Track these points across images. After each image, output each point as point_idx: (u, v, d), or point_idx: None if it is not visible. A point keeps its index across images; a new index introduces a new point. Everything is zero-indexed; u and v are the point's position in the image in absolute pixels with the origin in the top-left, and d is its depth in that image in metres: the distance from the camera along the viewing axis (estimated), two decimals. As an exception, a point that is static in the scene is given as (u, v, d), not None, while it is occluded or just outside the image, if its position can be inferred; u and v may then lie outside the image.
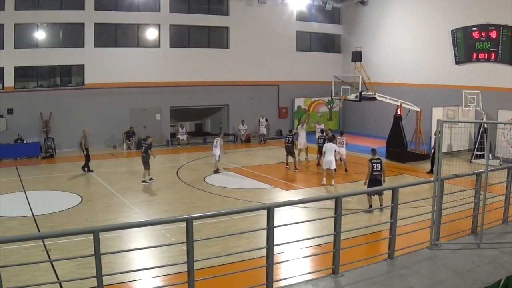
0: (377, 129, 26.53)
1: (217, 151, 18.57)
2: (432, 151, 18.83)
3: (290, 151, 19.04)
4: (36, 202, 14.31)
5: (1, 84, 22.46)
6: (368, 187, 13.06)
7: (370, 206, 13.11)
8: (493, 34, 21.71)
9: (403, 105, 21.30)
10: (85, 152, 18.43)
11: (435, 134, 18.80)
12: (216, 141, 18.74)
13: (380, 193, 12.85)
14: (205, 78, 26.59)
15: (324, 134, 19.52)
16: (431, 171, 17.81)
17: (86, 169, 18.56)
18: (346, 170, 18.53)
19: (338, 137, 18.77)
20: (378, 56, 27.37)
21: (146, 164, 16.86)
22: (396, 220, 7.29)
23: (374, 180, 13.16)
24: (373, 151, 13.79)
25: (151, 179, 17.03)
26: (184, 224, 5.60)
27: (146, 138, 17.64)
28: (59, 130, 23.01)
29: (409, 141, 21.38)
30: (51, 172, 19.02)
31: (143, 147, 17.14)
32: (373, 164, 13.22)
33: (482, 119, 20.02)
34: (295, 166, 18.92)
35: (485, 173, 7.90)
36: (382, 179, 13.25)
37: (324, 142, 17.74)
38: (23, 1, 22.43)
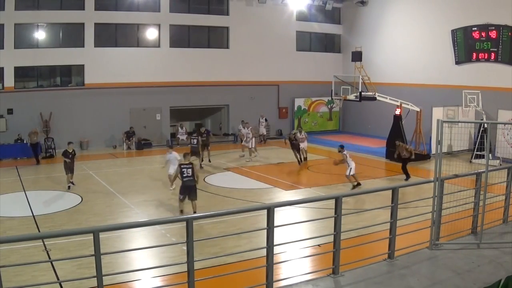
0: (377, 129, 26.54)
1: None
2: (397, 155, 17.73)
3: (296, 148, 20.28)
4: (36, 202, 14.30)
5: (1, 84, 22.47)
6: (180, 193, 12.82)
7: (181, 211, 12.84)
8: (493, 34, 21.71)
9: (403, 105, 21.30)
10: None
11: (396, 142, 17.92)
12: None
13: (194, 198, 12.69)
14: (205, 78, 26.60)
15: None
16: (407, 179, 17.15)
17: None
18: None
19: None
20: (378, 56, 27.37)
21: (72, 170, 16.23)
22: (396, 220, 7.28)
23: (185, 187, 12.72)
24: (185, 155, 13.25)
25: (72, 183, 16.28)
26: (184, 224, 5.60)
27: (69, 144, 16.77)
28: (59, 130, 22.99)
29: (409, 141, 21.37)
30: (51, 172, 19.00)
31: (71, 154, 16.14)
32: (183, 170, 12.69)
33: (482, 119, 20.02)
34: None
35: (485, 173, 7.90)
36: (195, 184, 12.77)
37: (196, 143, 19.31)
38: (23, 1, 22.45)
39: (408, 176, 17.18)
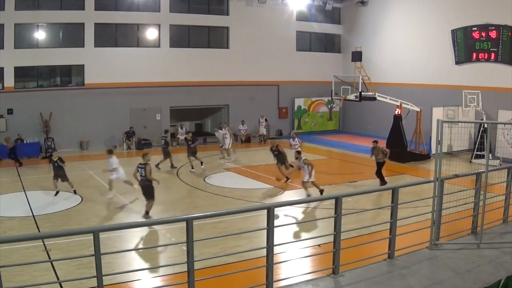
0: (377, 129, 26.52)
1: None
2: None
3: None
4: (36, 202, 14.32)
5: (1, 84, 22.47)
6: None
7: (147, 212, 12.78)
8: (493, 34, 21.71)
9: (403, 105, 21.31)
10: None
11: (373, 143, 16.82)
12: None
13: (148, 198, 12.66)
14: (205, 78, 26.60)
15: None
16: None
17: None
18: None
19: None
20: (378, 56, 27.38)
21: (65, 177, 15.40)
22: (396, 220, 7.28)
23: (141, 187, 12.87)
24: (143, 155, 13.13)
25: (75, 191, 15.49)
26: (184, 224, 5.61)
27: (53, 152, 16.30)
28: (59, 130, 23.03)
29: (409, 141, 21.39)
30: (51, 172, 18.94)
31: (56, 163, 15.17)
32: (137, 169, 12.80)
33: (482, 119, 20.02)
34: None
35: (485, 173, 7.90)
36: (149, 184, 12.66)
37: (165, 144, 19.30)
38: (23, 1, 22.45)
39: (383, 182, 16.04)
